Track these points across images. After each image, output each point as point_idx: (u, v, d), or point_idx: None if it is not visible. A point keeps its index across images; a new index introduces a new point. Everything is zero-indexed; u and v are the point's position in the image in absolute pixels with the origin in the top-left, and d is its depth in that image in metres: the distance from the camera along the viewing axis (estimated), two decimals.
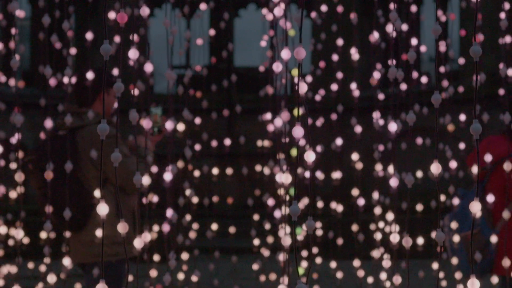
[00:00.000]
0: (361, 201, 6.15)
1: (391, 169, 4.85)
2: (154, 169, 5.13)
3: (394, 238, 3.36)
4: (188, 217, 7.32)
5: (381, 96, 5.96)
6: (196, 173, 7.72)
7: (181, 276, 6.57)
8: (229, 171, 8.52)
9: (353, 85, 6.28)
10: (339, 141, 6.76)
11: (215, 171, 8.05)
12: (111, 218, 4.67)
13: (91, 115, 4.93)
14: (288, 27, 3.81)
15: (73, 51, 5.95)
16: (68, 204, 4.71)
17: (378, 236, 6.03)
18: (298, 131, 2.15)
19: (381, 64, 6.02)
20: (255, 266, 8.25)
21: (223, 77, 16.23)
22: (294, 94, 5.85)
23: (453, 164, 6.30)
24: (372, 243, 6.36)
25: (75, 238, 5.01)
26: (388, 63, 5.24)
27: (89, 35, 5.12)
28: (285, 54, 2.75)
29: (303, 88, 2.39)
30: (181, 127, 4.90)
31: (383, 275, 5.69)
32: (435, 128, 2.12)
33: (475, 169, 5.85)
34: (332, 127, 7.17)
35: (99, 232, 4.82)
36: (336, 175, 6.89)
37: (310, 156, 2.21)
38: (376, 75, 5.49)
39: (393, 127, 3.66)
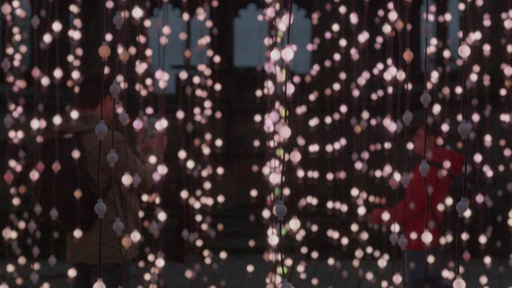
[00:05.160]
0: (360, 201, 6.15)
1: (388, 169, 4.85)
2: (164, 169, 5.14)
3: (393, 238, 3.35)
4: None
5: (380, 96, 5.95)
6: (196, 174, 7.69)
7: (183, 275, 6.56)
8: (228, 170, 8.50)
9: (337, 85, 6.27)
10: (342, 141, 6.75)
11: (212, 171, 8.02)
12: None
13: (74, 117, 4.96)
14: (284, 27, 3.79)
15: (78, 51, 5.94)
16: (71, 206, 4.74)
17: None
18: (285, 131, 2.14)
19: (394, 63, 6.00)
20: (250, 268, 8.25)
21: (223, 77, 16.22)
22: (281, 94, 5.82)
23: (447, 164, 6.31)
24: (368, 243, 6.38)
25: (81, 239, 5.01)
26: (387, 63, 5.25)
27: (76, 35, 5.11)
28: (274, 54, 2.75)
29: (290, 89, 2.39)
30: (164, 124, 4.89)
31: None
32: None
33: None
34: (335, 127, 7.16)
35: (106, 233, 4.89)
36: (336, 175, 6.87)
37: (296, 156, 2.20)
38: (361, 76, 5.49)
39: (392, 127, 3.65)
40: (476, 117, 5.91)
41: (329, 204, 7.31)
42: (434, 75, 5.22)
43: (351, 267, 7.20)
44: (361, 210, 5.50)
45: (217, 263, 9.04)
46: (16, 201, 5.90)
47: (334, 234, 7.13)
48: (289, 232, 5.95)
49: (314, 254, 8.08)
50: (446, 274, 6.19)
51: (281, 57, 2.23)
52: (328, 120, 7.54)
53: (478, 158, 5.84)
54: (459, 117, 5.71)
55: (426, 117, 2.15)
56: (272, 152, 4.03)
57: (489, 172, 6.27)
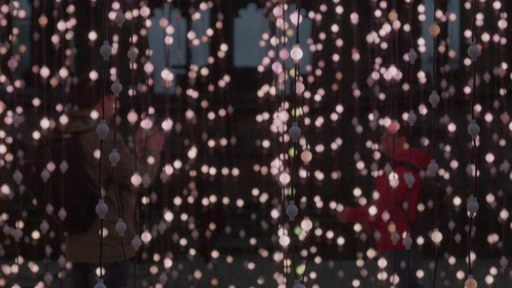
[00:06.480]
0: (362, 200, 6.17)
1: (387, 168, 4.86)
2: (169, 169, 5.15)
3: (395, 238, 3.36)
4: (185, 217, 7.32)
5: (381, 96, 5.96)
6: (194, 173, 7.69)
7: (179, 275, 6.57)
8: (227, 171, 8.51)
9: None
10: (339, 141, 6.75)
11: (213, 171, 8.03)
12: (116, 220, 4.69)
13: (94, 117, 4.99)
14: (287, 26, 3.79)
15: (68, 52, 5.94)
16: (70, 205, 4.75)
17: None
18: (295, 131, 2.14)
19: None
20: (251, 266, 8.25)
21: (223, 77, 16.18)
22: (291, 94, 5.82)
23: (454, 164, 6.31)
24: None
25: (79, 239, 5.03)
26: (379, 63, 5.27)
27: (92, 35, 5.11)
28: (283, 54, 2.75)
29: (300, 88, 2.39)
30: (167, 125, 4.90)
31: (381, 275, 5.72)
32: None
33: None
34: (332, 128, 7.17)
35: (105, 233, 4.91)
36: (335, 175, 6.89)
37: (307, 156, 2.20)
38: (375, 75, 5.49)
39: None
40: (489, 117, 5.89)
41: (319, 204, 7.31)
42: (422, 76, 5.21)
43: (348, 267, 7.22)
44: (372, 210, 5.50)
45: (216, 263, 9.05)
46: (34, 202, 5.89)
47: (328, 233, 7.14)
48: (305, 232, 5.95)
49: (304, 253, 8.12)
50: (421, 274, 6.17)
51: (290, 56, 2.23)
52: (321, 120, 7.54)
53: (490, 158, 5.80)
54: (469, 117, 5.70)
55: (434, 117, 2.16)
56: (277, 152, 4.04)
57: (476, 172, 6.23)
